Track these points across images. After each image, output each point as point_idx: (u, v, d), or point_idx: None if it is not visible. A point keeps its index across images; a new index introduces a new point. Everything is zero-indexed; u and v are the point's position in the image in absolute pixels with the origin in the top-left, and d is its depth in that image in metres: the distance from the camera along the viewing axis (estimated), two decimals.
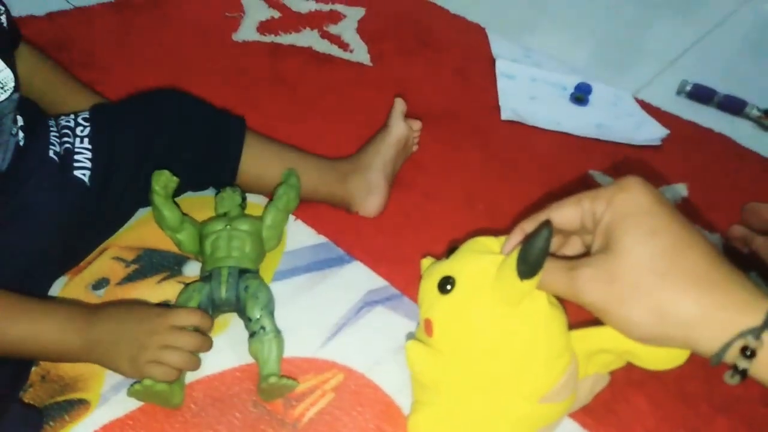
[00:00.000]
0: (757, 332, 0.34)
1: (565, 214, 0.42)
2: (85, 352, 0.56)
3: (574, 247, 0.47)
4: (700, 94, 1.16)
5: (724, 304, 0.35)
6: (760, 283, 0.71)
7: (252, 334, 0.62)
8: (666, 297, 0.36)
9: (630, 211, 0.38)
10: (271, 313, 0.64)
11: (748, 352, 0.35)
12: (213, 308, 0.65)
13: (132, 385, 0.57)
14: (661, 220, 0.37)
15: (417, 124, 0.86)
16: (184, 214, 0.70)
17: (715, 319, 0.35)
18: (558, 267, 0.41)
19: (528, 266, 0.42)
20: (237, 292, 0.65)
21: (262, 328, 0.62)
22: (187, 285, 0.66)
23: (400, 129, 0.82)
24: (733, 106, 1.14)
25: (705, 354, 0.36)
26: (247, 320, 0.63)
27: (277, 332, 0.63)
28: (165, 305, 0.64)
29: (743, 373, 0.36)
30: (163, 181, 0.69)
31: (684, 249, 0.37)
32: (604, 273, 0.38)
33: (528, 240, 0.41)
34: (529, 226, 0.44)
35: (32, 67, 0.71)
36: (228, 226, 0.68)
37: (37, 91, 0.71)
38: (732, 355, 0.35)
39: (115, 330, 0.57)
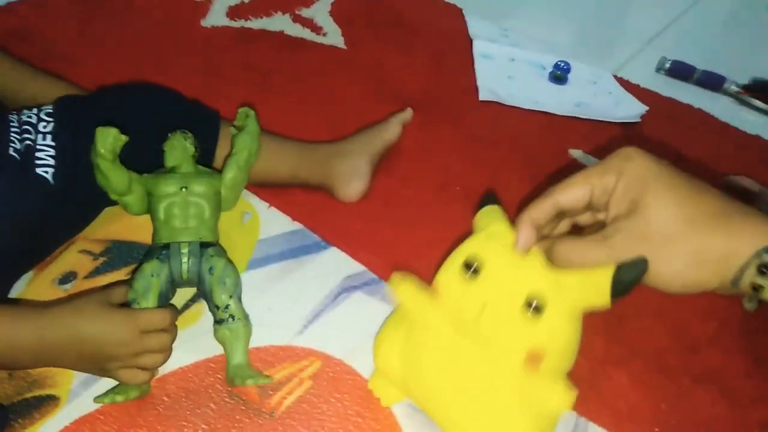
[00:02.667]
0: None
1: (573, 194, 0.43)
2: (40, 360, 0.55)
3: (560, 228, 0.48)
4: (679, 71, 1.16)
5: (747, 231, 0.38)
6: None
7: (219, 321, 0.61)
8: (699, 239, 0.38)
9: (643, 175, 0.40)
10: (239, 298, 0.62)
11: (764, 269, 0.37)
12: (173, 287, 0.63)
13: (107, 394, 0.56)
14: (673, 176, 0.41)
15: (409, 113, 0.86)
16: (129, 170, 0.63)
17: (742, 246, 0.38)
18: (591, 241, 0.41)
19: (625, 292, 0.42)
20: (199, 271, 0.62)
21: (231, 317, 0.60)
22: (141, 265, 0.61)
23: (395, 132, 0.83)
24: (712, 82, 1.14)
25: (729, 285, 0.39)
26: (214, 307, 0.61)
27: (246, 319, 0.61)
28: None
29: (759, 292, 0.38)
30: (110, 142, 0.60)
31: (700, 193, 0.40)
32: (637, 234, 0.39)
33: (628, 267, 0.41)
34: (536, 212, 0.44)
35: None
36: (183, 189, 0.63)
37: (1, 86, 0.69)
38: (749, 277, 0.38)
39: (75, 339, 0.54)
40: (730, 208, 0.39)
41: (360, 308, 0.68)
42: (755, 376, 0.66)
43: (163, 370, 0.60)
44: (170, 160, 0.66)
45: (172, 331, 0.58)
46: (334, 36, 1.09)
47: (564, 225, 0.48)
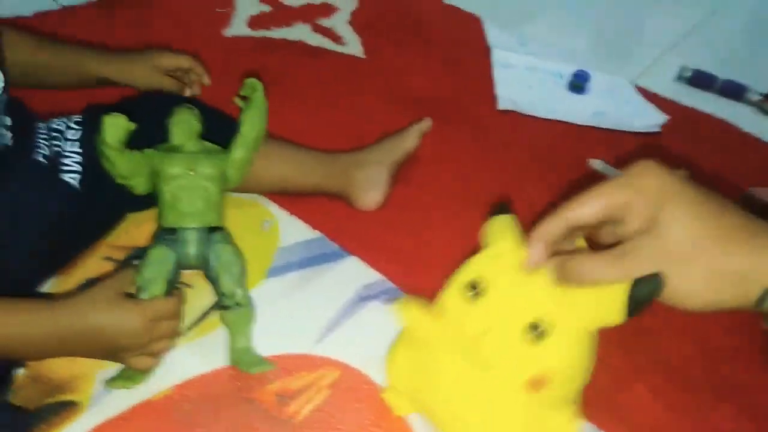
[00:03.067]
0: None
1: (586, 211, 0.42)
2: (56, 351, 0.56)
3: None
4: (700, 80, 1.15)
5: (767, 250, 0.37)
6: None
7: (225, 307, 0.62)
8: (720, 258, 0.37)
9: (662, 191, 0.39)
10: (244, 285, 0.63)
11: None
12: (179, 270, 0.62)
13: (116, 380, 0.58)
14: (692, 192, 0.39)
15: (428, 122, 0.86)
16: (133, 150, 0.61)
17: (765, 267, 0.37)
18: (608, 259, 0.40)
19: (640, 309, 0.41)
20: (206, 256, 0.61)
21: (237, 304, 0.61)
22: (149, 250, 0.60)
23: (414, 142, 0.84)
24: (734, 91, 1.12)
25: (754, 305, 0.38)
26: (221, 293, 0.62)
27: (251, 305, 0.62)
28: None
29: None
30: (117, 134, 0.58)
31: (720, 210, 0.39)
32: (657, 251, 0.39)
33: (643, 283, 0.39)
34: (550, 229, 0.43)
35: (29, 47, 0.70)
36: (191, 172, 0.61)
37: (42, 66, 0.71)
38: None
39: (89, 330, 0.54)
40: (752, 225, 0.38)
41: (378, 318, 0.68)
42: None
43: (184, 376, 0.60)
44: (176, 138, 0.64)
45: (179, 316, 0.60)
46: (353, 45, 1.10)
47: (579, 240, 0.47)
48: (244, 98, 0.67)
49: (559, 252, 0.45)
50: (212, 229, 0.63)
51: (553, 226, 0.43)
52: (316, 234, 0.77)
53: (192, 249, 0.61)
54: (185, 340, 0.63)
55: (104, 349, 0.56)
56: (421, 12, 1.23)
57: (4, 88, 0.61)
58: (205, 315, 0.66)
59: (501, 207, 0.51)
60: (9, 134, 0.63)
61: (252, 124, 0.65)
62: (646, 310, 0.40)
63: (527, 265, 0.43)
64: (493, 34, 1.19)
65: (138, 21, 1.08)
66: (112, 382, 0.58)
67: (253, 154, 0.66)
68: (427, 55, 1.11)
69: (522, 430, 0.48)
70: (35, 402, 0.57)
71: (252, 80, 0.66)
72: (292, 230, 0.77)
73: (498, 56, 1.13)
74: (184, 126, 0.64)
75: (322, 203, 0.79)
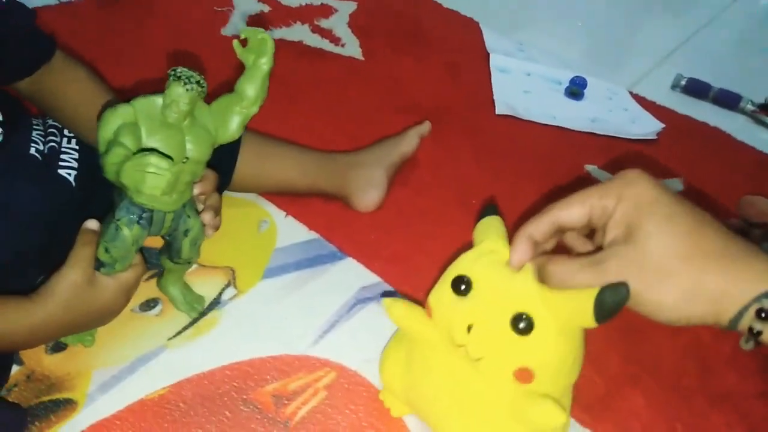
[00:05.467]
0: None
1: (571, 213, 0.42)
2: (38, 338, 0.56)
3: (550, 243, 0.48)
4: (695, 89, 1.16)
5: (745, 274, 0.37)
6: None
7: (174, 261, 0.62)
8: (694, 277, 0.37)
9: (643, 202, 0.39)
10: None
11: (763, 314, 0.36)
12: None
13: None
14: (674, 206, 0.39)
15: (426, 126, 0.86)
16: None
17: (738, 289, 0.37)
18: (584, 264, 0.41)
19: (607, 315, 0.42)
20: (175, 227, 0.57)
21: (188, 263, 0.63)
22: (119, 224, 0.53)
23: (412, 145, 0.84)
24: (728, 100, 1.14)
25: (726, 324, 0.38)
26: (178, 257, 0.60)
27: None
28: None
29: (757, 336, 0.37)
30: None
31: (700, 229, 0.39)
32: (632, 262, 0.39)
33: (609, 291, 0.40)
34: (535, 229, 0.44)
35: (66, 79, 0.65)
36: (184, 160, 0.53)
37: (71, 105, 0.65)
38: (747, 320, 0.37)
39: (68, 315, 0.54)
40: (731, 246, 0.38)
41: (375, 319, 0.68)
42: None
43: (180, 376, 0.60)
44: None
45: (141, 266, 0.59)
46: (352, 47, 1.10)
47: (571, 238, 0.47)
48: (246, 58, 0.56)
49: (544, 252, 0.46)
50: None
51: (538, 225, 0.43)
52: (313, 235, 0.77)
53: (166, 227, 0.56)
54: (181, 340, 0.63)
55: (84, 326, 0.58)
56: (420, 15, 1.23)
57: None
58: (201, 315, 0.66)
59: (489, 209, 0.52)
60: (0, 129, 0.62)
61: (254, 98, 0.56)
62: (614, 317, 0.41)
63: (511, 263, 0.44)
64: (491, 39, 1.20)
65: (137, 18, 1.07)
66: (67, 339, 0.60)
67: (243, 128, 0.58)
68: (425, 59, 1.11)
69: (509, 422, 0.49)
70: (31, 400, 0.57)
71: (265, 35, 0.54)
72: (290, 231, 0.77)
73: (496, 61, 1.13)
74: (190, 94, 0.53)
75: (320, 204, 0.79)
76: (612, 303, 0.40)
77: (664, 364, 0.68)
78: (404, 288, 0.71)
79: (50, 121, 0.67)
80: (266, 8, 1.14)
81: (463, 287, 0.48)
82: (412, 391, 0.55)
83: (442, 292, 0.50)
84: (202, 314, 0.66)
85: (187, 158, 0.53)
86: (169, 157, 0.51)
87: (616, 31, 1.37)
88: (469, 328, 0.47)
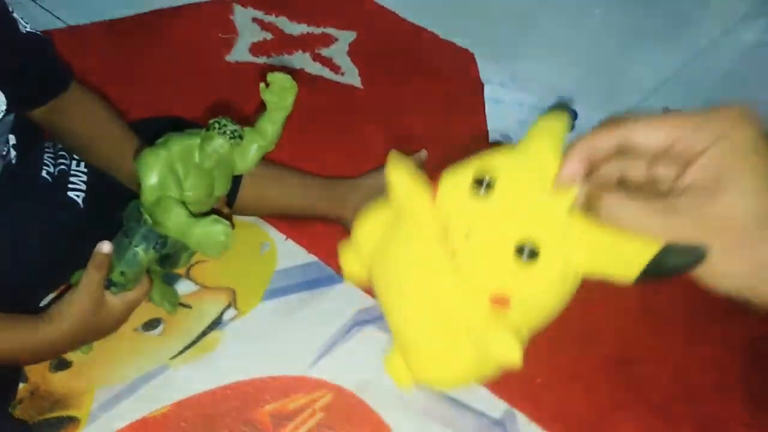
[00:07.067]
0: None
1: (651, 135, 0.34)
2: (46, 352, 0.57)
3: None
4: None
5: None
6: None
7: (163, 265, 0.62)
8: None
9: (747, 149, 0.32)
10: None
11: None
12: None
13: None
14: None
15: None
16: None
17: None
18: (655, 208, 0.33)
19: (659, 278, 0.34)
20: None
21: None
22: (137, 249, 0.55)
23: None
24: None
25: None
26: (171, 264, 0.61)
27: None
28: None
29: None
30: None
31: None
32: (715, 219, 0.32)
33: (681, 252, 0.33)
34: (598, 143, 0.35)
35: (80, 108, 0.66)
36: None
37: (84, 136, 0.66)
38: None
39: (83, 334, 0.56)
40: None
41: (371, 342, 0.70)
42: (755, 425, 0.68)
43: (181, 395, 0.61)
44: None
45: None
46: (351, 75, 1.13)
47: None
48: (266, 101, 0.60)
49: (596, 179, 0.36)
50: None
51: (603, 140, 0.34)
52: (312, 258, 0.78)
53: (175, 246, 0.58)
54: (183, 359, 0.65)
55: (87, 342, 0.60)
56: (418, 45, 1.27)
57: (6, 110, 0.62)
58: (202, 335, 0.67)
59: (561, 105, 0.43)
60: (14, 152, 0.64)
61: (270, 138, 0.60)
62: (659, 281, 0.34)
63: (557, 179, 0.36)
64: (486, 70, 1.23)
65: (144, 43, 1.10)
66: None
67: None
68: (422, 88, 1.14)
69: (462, 338, 0.42)
70: (34, 416, 0.58)
71: (286, 79, 0.58)
72: (290, 253, 0.78)
73: (490, 91, 1.17)
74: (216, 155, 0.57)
75: (319, 228, 0.81)
76: (675, 266, 0.33)
77: (653, 391, 0.70)
78: None
79: (60, 145, 0.69)
80: (269, 36, 1.17)
81: (483, 187, 0.40)
82: (378, 264, 0.46)
83: (458, 181, 0.41)
84: (203, 334, 0.67)
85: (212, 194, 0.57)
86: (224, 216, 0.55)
87: (606, 64, 1.40)
88: (469, 234, 0.40)
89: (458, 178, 0.41)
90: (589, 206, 0.35)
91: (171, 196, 0.53)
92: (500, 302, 0.40)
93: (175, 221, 0.52)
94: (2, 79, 0.60)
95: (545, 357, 0.70)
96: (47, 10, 1.13)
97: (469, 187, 0.40)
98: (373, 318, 0.73)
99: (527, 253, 0.38)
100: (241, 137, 0.55)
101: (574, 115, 0.41)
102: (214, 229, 0.52)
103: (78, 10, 1.14)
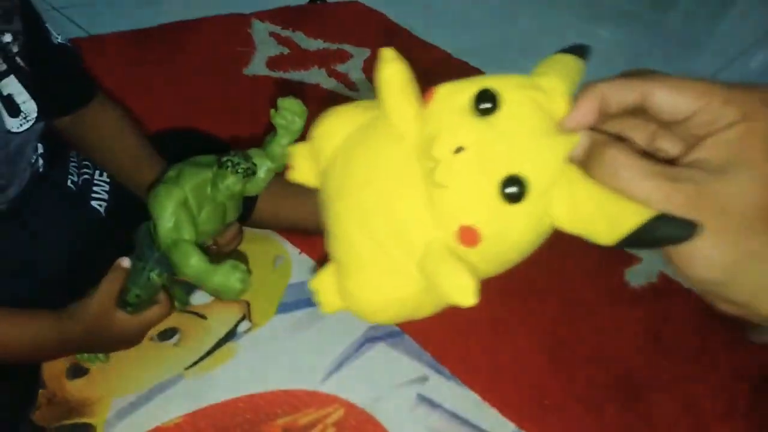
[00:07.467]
0: None
1: (676, 99, 0.31)
2: (60, 348, 0.58)
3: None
4: None
5: None
6: None
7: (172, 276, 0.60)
8: (761, 246, 0.29)
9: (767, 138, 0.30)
10: None
11: None
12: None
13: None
14: None
15: None
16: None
17: None
18: (655, 172, 0.30)
19: (639, 245, 0.31)
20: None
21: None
22: (151, 275, 0.57)
23: None
24: None
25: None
26: (170, 287, 0.62)
27: None
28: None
29: None
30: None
31: None
32: (718, 198, 0.30)
33: (674, 224, 0.30)
34: (615, 92, 0.32)
35: (102, 119, 0.67)
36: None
37: (105, 146, 0.67)
38: None
39: (87, 338, 0.57)
40: None
41: (383, 359, 0.71)
42: None
43: (194, 406, 0.62)
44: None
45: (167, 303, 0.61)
46: (365, 91, 1.14)
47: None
48: (276, 124, 0.59)
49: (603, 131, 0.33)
50: None
51: (621, 93, 0.32)
52: None
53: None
54: (198, 369, 0.65)
55: (100, 349, 0.61)
56: (431, 64, 1.28)
57: (36, 117, 0.63)
58: (217, 346, 0.68)
59: (578, 48, 0.39)
60: (41, 161, 0.66)
61: (279, 162, 0.59)
62: (639, 248, 0.32)
63: (564, 122, 0.33)
64: None
65: (164, 54, 1.12)
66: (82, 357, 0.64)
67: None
68: None
69: (414, 268, 0.36)
70: (51, 422, 0.58)
71: (298, 105, 0.58)
72: (303, 268, 0.79)
73: None
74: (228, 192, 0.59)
75: None
76: (663, 237, 0.30)
77: (661, 416, 0.71)
78: (412, 329, 0.74)
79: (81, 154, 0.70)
80: (286, 51, 1.19)
81: (484, 106, 0.35)
82: (337, 166, 0.38)
83: (458, 93, 0.36)
84: (218, 345, 0.68)
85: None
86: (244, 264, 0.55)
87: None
88: (457, 151, 0.34)
89: (459, 90, 0.36)
90: (589, 156, 0.32)
91: (188, 240, 0.54)
92: (468, 237, 0.34)
93: (193, 269, 0.54)
94: (35, 88, 0.61)
95: (554, 379, 0.71)
96: (70, 19, 1.15)
97: (469, 102, 0.35)
98: (384, 335, 0.73)
99: (513, 190, 0.33)
100: (254, 173, 0.56)
101: (582, 53, 0.38)
102: (232, 277, 0.54)
103: (99, 19, 1.16)
